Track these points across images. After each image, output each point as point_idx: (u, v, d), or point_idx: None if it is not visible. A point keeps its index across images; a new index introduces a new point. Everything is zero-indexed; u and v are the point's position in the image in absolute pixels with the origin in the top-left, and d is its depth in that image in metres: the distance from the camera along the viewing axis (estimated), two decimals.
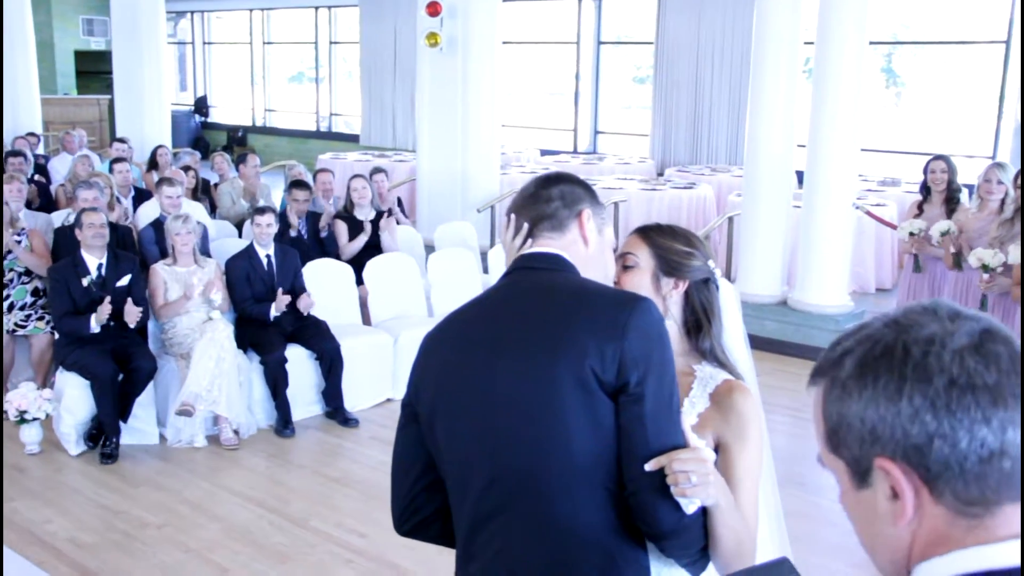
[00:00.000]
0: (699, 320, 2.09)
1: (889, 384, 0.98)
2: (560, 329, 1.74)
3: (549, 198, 1.93)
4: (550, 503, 1.74)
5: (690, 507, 1.71)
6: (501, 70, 10.42)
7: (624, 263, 2.10)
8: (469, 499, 1.84)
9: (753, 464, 1.94)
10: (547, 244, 1.91)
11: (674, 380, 1.76)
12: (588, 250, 1.92)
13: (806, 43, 8.18)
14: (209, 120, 21.83)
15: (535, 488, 1.75)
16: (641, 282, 2.07)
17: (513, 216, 1.96)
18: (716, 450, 1.95)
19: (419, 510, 1.95)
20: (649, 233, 2.12)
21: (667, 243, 2.08)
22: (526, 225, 1.92)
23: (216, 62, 22.40)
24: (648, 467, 1.69)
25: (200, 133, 20.96)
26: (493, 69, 10.12)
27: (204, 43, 22.28)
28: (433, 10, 9.80)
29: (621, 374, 1.70)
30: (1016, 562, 0.94)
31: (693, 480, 1.66)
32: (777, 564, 1.58)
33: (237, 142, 20.24)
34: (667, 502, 1.70)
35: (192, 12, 21.86)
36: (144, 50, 12.62)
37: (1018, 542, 0.95)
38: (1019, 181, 5.69)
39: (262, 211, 6.37)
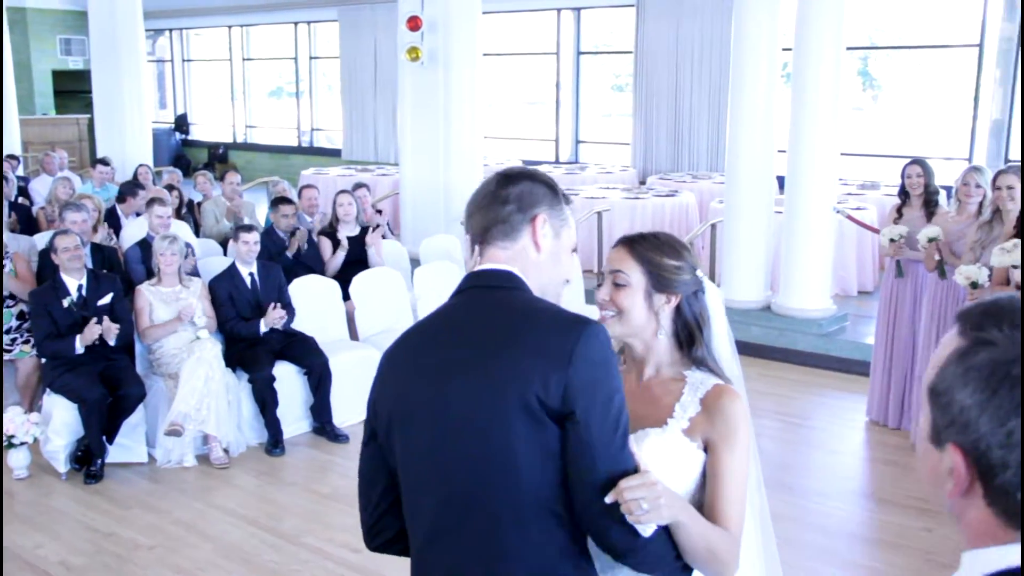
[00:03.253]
0: (691, 332, 2.12)
1: (1003, 405, 1.02)
2: (507, 355, 1.74)
3: (505, 200, 1.89)
4: (498, 525, 1.75)
5: (647, 531, 1.74)
6: (482, 82, 10.46)
7: (615, 280, 2.10)
8: (421, 517, 1.86)
9: (740, 466, 1.99)
10: (497, 257, 1.88)
11: (622, 404, 1.75)
12: (540, 256, 1.89)
13: (784, 49, 8.25)
14: (190, 138, 21.80)
15: (484, 510, 1.76)
16: (634, 300, 2.08)
17: (465, 223, 1.97)
18: (706, 451, 2.00)
19: (384, 530, 1.98)
20: (636, 247, 2.11)
21: (657, 259, 2.08)
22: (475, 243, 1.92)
23: (196, 79, 22.37)
24: (607, 500, 1.70)
25: (181, 151, 20.94)
26: (474, 81, 10.16)
27: (184, 60, 22.25)
28: (414, 24, 9.84)
29: (566, 402, 1.70)
30: None
31: (644, 507, 1.69)
32: None
33: (218, 159, 20.22)
34: (620, 525, 1.73)
35: (171, 30, 21.84)
36: (124, 69, 12.64)
37: None
38: (996, 181, 5.74)
39: (248, 229, 6.39)
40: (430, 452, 1.81)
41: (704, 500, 1.98)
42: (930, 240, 5.81)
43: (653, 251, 2.09)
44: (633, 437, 1.84)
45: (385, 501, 1.95)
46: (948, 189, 6.72)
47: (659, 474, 1.79)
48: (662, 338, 2.10)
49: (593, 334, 1.74)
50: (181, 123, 21.79)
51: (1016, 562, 1.01)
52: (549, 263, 1.90)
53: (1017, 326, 1.03)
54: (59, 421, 5.70)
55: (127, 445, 5.92)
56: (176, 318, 6.02)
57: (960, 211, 5.90)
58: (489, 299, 1.86)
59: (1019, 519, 1.02)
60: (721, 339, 2.19)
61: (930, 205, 6.24)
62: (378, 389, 1.94)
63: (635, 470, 1.73)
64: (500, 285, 1.86)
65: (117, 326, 5.73)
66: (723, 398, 2.04)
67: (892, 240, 6.09)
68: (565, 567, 1.78)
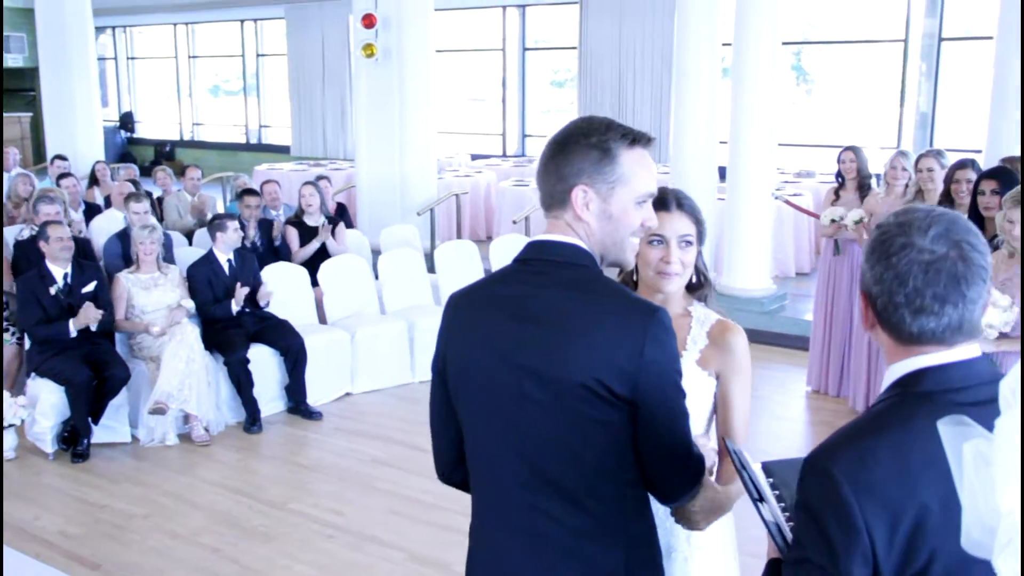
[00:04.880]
0: (702, 273, 2.44)
1: (874, 259, 1.56)
2: (577, 342, 1.84)
3: (552, 171, 1.94)
4: (568, 489, 1.89)
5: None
6: (436, 78, 10.80)
7: (686, 241, 2.33)
8: (490, 476, 2.00)
9: (746, 391, 2.39)
10: (556, 227, 1.96)
11: (681, 381, 1.92)
12: (589, 223, 1.93)
13: (724, 44, 8.73)
14: (135, 135, 21.77)
15: (552, 475, 1.90)
16: (694, 254, 2.36)
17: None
18: (717, 379, 2.39)
19: (454, 473, 2.13)
20: (687, 208, 2.34)
21: (701, 215, 2.36)
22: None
23: (140, 77, 22.32)
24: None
25: (127, 149, 20.90)
26: (428, 77, 10.49)
27: (128, 58, 22.20)
28: (368, 22, 10.14)
29: (637, 390, 1.83)
30: (930, 363, 1.53)
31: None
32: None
33: (165, 156, 20.24)
34: (687, 487, 2.00)
35: (114, 28, 21.76)
36: (73, 67, 12.72)
37: (929, 356, 1.53)
38: (918, 165, 6.24)
39: (231, 218, 6.67)
40: (501, 421, 1.93)
41: (716, 421, 2.39)
42: (856, 222, 6.34)
43: (696, 209, 2.36)
44: None
45: (456, 448, 2.08)
46: (879, 177, 7.24)
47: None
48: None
49: (659, 322, 1.85)
50: (127, 121, 21.74)
51: (912, 368, 1.51)
52: (602, 225, 1.93)
53: (896, 223, 1.56)
54: (46, 403, 5.93)
55: (111, 426, 6.17)
56: (145, 324, 6.28)
57: (889, 192, 6.41)
58: (557, 277, 1.91)
59: (905, 340, 1.50)
60: None
61: (863, 189, 6.75)
62: (445, 340, 2.05)
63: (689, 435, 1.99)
64: (567, 261, 1.92)
65: (101, 312, 5.99)
66: (728, 333, 2.39)
67: (832, 220, 6.58)
68: (632, 520, 1.96)
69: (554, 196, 1.94)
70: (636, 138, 1.93)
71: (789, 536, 1.76)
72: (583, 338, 1.83)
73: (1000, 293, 4.21)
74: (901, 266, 1.50)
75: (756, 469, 1.85)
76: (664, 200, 2.31)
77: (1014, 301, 4.17)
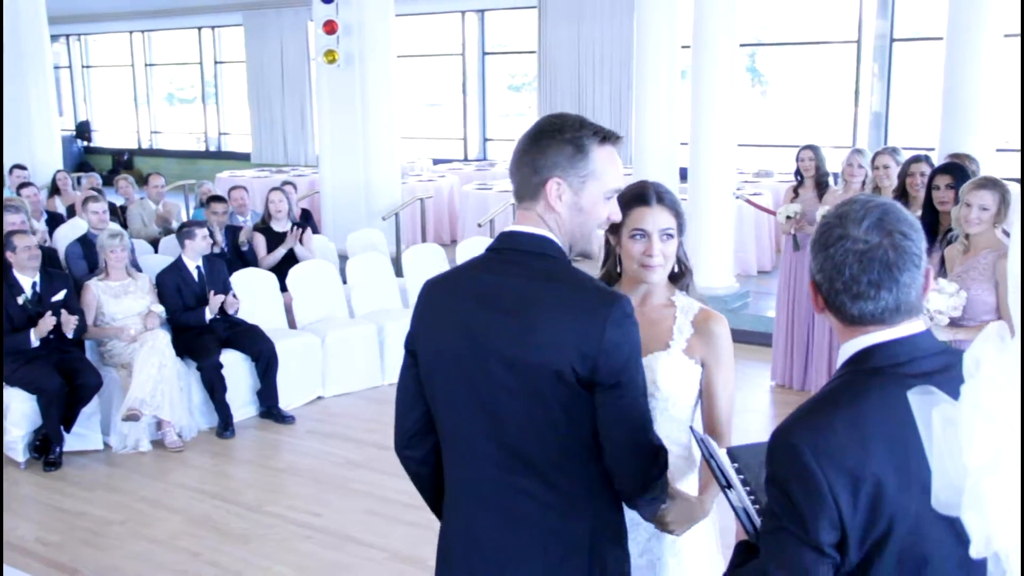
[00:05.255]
0: (684, 263, 2.53)
1: (817, 250, 1.71)
2: (544, 328, 1.94)
3: (527, 163, 2.03)
4: (536, 468, 2.01)
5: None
6: (398, 83, 10.87)
7: (667, 235, 2.41)
8: (463, 455, 2.11)
9: (729, 379, 2.48)
10: (527, 218, 2.05)
11: (641, 366, 2.02)
12: (560, 214, 2.03)
13: (683, 47, 8.89)
14: (92, 144, 21.57)
15: (522, 454, 2.01)
16: (675, 247, 2.44)
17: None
18: (702, 366, 2.46)
19: (414, 448, 2.23)
20: (668, 201, 2.43)
21: (681, 208, 2.45)
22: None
23: (96, 85, 22.13)
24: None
25: (84, 158, 20.71)
26: (390, 82, 10.57)
27: (83, 67, 21.99)
28: (330, 28, 10.19)
29: (598, 372, 1.93)
30: (875, 341, 1.66)
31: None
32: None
33: (123, 165, 20.07)
34: (654, 468, 2.06)
35: (68, 36, 21.55)
36: (29, 75, 12.61)
37: (873, 335, 1.66)
38: (874, 162, 6.42)
39: (200, 225, 6.69)
40: (474, 403, 2.03)
41: (702, 407, 2.48)
42: (788, 217, 6.57)
43: (676, 202, 2.46)
44: (644, 361, 2.27)
45: (420, 423, 2.19)
46: (836, 176, 7.43)
47: (672, 389, 2.36)
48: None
49: (620, 308, 1.95)
50: (83, 130, 21.55)
51: (860, 347, 1.66)
52: (572, 216, 2.03)
53: (835, 214, 1.70)
54: (18, 413, 5.91)
55: (83, 434, 6.16)
56: (119, 328, 6.29)
57: (847, 190, 6.59)
58: (528, 266, 2.01)
59: (849, 322, 1.68)
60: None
61: (821, 187, 6.92)
62: (417, 323, 2.16)
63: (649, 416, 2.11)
64: (537, 251, 2.02)
65: (75, 317, 5.99)
66: (711, 321, 2.47)
67: (789, 217, 6.74)
68: (598, 496, 2.06)
69: (528, 187, 2.04)
70: (607, 136, 2.05)
71: (757, 520, 1.86)
72: (550, 325, 1.94)
73: (947, 281, 4.37)
74: (838, 256, 1.63)
75: (722, 455, 1.95)
76: (645, 195, 2.42)
77: (960, 288, 4.33)
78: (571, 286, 2.00)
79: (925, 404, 1.43)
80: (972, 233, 4.45)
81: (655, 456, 2.07)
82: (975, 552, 1.37)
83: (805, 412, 1.63)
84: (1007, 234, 4.39)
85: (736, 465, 1.90)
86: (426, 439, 2.21)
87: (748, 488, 1.90)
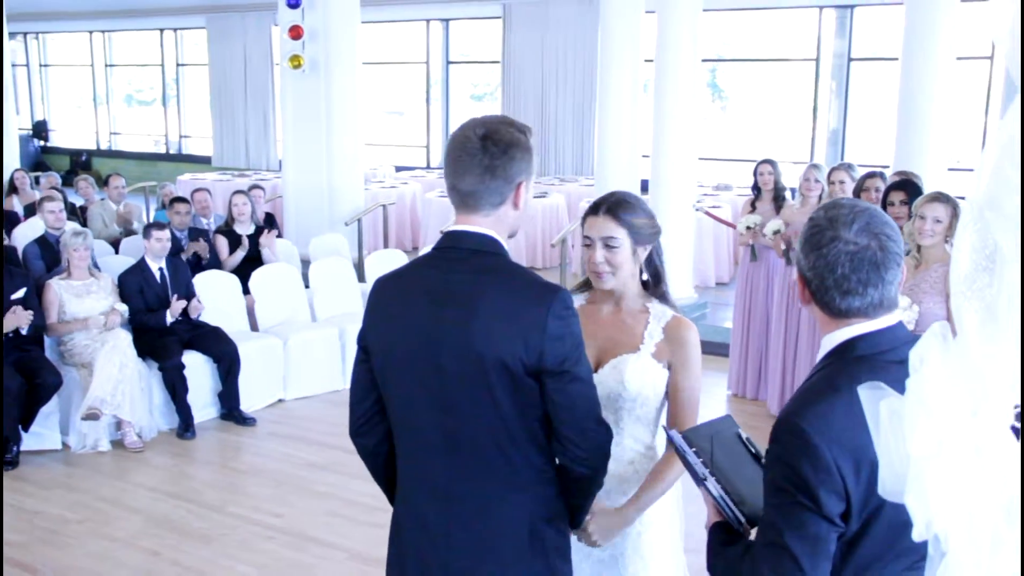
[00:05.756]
0: (658, 272, 2.63)
1: (805, 246, 1.83)
2: (490, 321, 2.04)
3: (496, 176, 2.09)
4: (485, 455, 2.12)
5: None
6: (362, 89, 10.92)
7: (608, 244, 2.52)
8: (415, 445, 2.21)
9: (695, 383, 2.58)
10: (477, 221, 2.13)
11: (583, 354, 2.13)
12: (518, 212, 2.15)
13: (646, 61, 9.05)
14: (49, 144, 21.33)
15: (472, 442, 2.12)
16: (624, 257, 2.53)
17: (448, 180, 2.15)
18: (668, 369, 2.57)
19: (367, 434, 2.33)
20: (618, 213, 2.52)
21: (636, 221, 2.52)
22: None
23: (54, 85, 21.89)
24: None
25: (40, 158, 20.47)
26: (355, 89, 10.61)
27: (40, 65, 21.76)
28: (295, 33, 10.22)
29: (544, 359, 2.04)
30: (858, 332, 1.79)
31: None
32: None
33: (81, 166, 19.88)
34: (604, 445, 2.19)
35: (25, 34, 21.31)
36: None
37: (855, 327, 1.78)
38: (830, 177, 6.59)
39: (160, 227, 6.69)
40: (423, 395, 2.13)
41: (668, 409, 2.59)
42: (775, 232, 6.66)
43: (631, 214, 2.53)
44: (614, 362, 2.42)
45: (371, 412, 2.29)
46: (794, 191, 7.60)
47: (639, 390, 2.48)
48: (632, 279, 2.59)
49: (560, 300, 2.06)
50: (40, 129, 21.30)
51: (844, 338, 1.77)
52: (521, 213, 2.18)
53: (826, 217, 1.81)
54: None
55: (41, 433, 6.14)
56: (84, 319, 6.28)
57: (804, 204, 6.74)
58: (473, 263, 2.12)
59: (835, 315, 1.79)
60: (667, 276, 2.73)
61: (779, 200, 7.08)
62: (369, 320, 2.26)
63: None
64: (482, 249, 2.12)
65: (29, 313, 5.96)
66: (681, 329, 2.58)
67: (748, 228, 6.89)
68: (539, 482, 2.18)
69: (495, 195, 2.11)
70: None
71: (735, 509, 1.95)
72: (496, 318, 2.05)
73: (900, 296, 4.52)
74: (831, 256, 1.78)
75: (686, 447, 2.05)
76: (595, 204, 2.58)
77: (913, 302, 4.49)
78: (515, 281, 2.11)
79: (874, 397, 1.54)
80: (925, 245, 4.61)
81: (607, 429, 2.20)
82: (917, 535, 1.48)
83: (808, 399, 1.76)
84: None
85: (694, 449, 2.02)
86: (378, 427, 2.31)
87: (703, 459, 2.02)
